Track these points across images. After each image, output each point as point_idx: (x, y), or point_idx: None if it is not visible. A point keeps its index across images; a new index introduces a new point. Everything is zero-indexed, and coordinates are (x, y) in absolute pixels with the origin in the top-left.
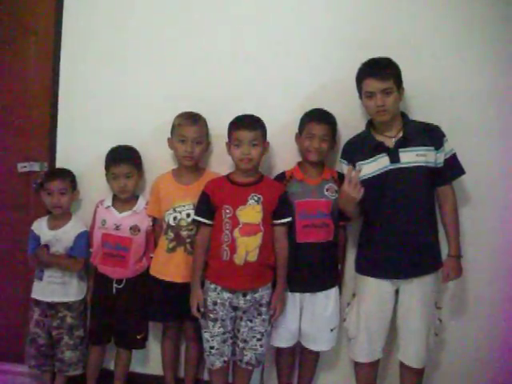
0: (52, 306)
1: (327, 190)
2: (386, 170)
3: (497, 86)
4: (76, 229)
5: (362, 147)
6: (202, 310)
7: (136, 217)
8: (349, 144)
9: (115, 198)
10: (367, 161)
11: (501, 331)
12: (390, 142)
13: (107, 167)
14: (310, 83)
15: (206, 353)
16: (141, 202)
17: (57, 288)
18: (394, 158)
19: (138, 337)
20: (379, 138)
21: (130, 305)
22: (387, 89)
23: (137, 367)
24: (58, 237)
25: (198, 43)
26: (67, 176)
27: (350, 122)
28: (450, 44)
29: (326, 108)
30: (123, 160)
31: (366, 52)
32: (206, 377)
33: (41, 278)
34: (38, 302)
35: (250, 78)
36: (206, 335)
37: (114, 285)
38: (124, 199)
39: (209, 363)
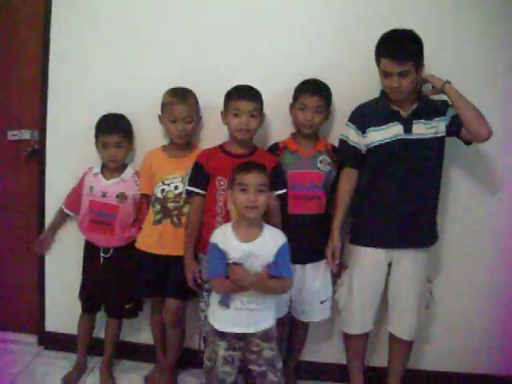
0: None
1: (320, 162)
2: (397, 138)
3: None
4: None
5: (375, 113)
6: (198, 281)
7: (123, 184)
8: (360, 108)
9: (104, 166)
10: (379, 127)
11: (492, 305)
12: (404, 112)
13: (97, 135)
14: (307, 52)
15: (200, 322)
16: (129, 170)
17: None
18: (407, 128)
19: (127, 306)
20: (393, 106)
21: (118, 274)
22: (404, 72)
23: (128, 336)
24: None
25: (190, 11)
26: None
27: (348, 93)
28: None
29: (321, 78)
30: (114, 129)
31: (365, 22)
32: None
33: None
34: None
35: (245, 47)
36: (201, 305)
37: (101, 254)
38: (113, 168)
39: (204, 332)
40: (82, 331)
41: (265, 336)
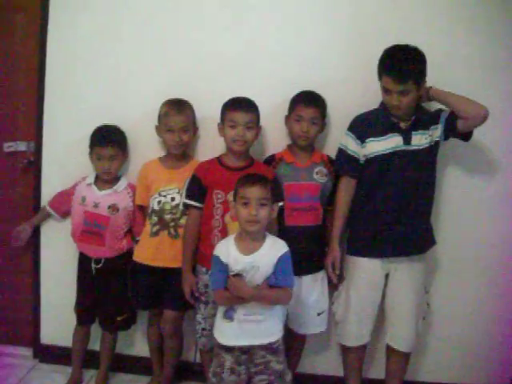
0: None
1: (317, 174)
2: (396, 149)
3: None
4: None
5: (374, 124)
6: (196, 294)
7: (115, 196)
8: (360, 118)
9: (98, 177)
10: (379, 138)
11: (489, 316)
12: (403, 124)
13: (91, 147)
14: (303, 64)
15: (197, 335)
16: (122, 182)
17: None
18: (407, 139)
19: (119, 318)
20: (393, 118)
21: (110, 286)
22: (404, 90)
23: (124, 349)
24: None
25: (187, 23)
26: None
27: (343, 104)
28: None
29: (317, 90)
30: (109, 142)
31: (361, 34)
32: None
33: None
34: None
35: (241, 59)
36: (198, 317)
37: (93, 265)
38: (106, 179)
39: (200, 344)
40: (77, 344)
41: (271, 349)
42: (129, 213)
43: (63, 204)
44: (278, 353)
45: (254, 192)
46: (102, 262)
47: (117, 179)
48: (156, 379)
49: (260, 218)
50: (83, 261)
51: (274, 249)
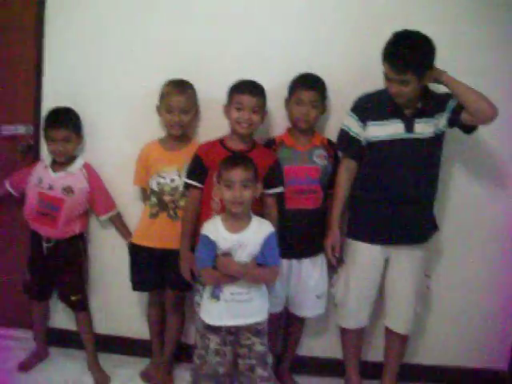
0: None
1: (317, 157)
2: (396, 137)
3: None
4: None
5: (378, 106)
6: (196, 273)
7: (70, 178)
8: (364, 99)
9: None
10: (381, 122)
11: (488, 298)
12: (408, 111)
13: (45, 129)
14: (303, 46)
15: (197, 316)
16: (77, 164)
17: None
18: (409, 127)
19: (73, 298)
20: (397, 103)
21: (63, 266)
22: (404, 81)
23: (124, 331)
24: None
25: (188, 10)
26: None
27: (342, 88)
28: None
29: (317, 73)
30: (62, 124)
31: (364, 18)
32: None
33: None
34: None
35: (242, 43)
36: (196, 299)
37: (44, 244)
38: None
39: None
40: (37, 320)
41: (256, 330)
42: (86, 195)
43: (20, 182)
44: (262, 335)
45: (237, 174)
46: (53, 242)
47: (72, 160)
48: (156, 360)
49: (243, 200)
50: (35, 239)
51: (260, 228)
